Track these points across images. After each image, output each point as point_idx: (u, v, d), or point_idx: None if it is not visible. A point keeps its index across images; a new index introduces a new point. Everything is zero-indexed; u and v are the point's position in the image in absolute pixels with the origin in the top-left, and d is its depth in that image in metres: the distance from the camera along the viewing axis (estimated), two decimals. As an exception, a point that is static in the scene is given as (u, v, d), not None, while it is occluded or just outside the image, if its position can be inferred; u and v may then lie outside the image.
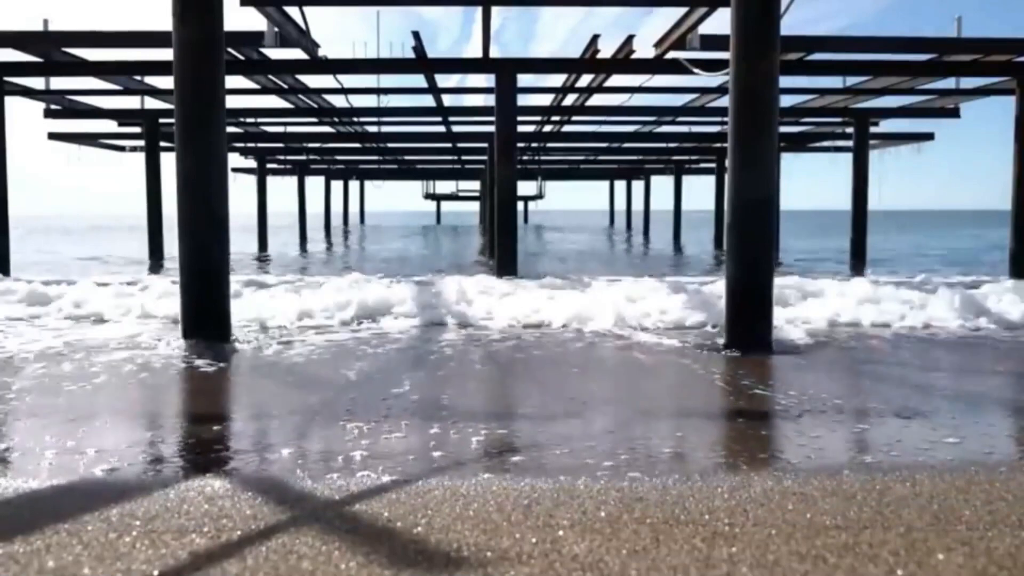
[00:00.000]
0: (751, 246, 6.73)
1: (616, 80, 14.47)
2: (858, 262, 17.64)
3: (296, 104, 17.10)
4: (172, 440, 3.87)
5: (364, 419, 4.15)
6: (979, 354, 6.73)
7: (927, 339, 7.39)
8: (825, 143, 24.20)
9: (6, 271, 12.77)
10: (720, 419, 4.56)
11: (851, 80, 14.97)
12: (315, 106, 17.22)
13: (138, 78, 14.36)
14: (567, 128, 21.54)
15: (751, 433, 4.02)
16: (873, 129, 19.53)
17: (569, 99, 16.77)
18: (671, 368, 5.97)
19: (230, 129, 19.53)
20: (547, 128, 21.32)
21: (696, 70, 11.24)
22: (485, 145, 23.32)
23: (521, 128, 14.77)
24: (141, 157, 19.77)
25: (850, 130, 18.92)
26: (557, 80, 15.33)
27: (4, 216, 13.48)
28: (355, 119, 19.22)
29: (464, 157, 30.49)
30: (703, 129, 21.79)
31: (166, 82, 14.46)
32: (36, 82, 14.56)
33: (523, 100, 15.29)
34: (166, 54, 10.29)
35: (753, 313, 6.71)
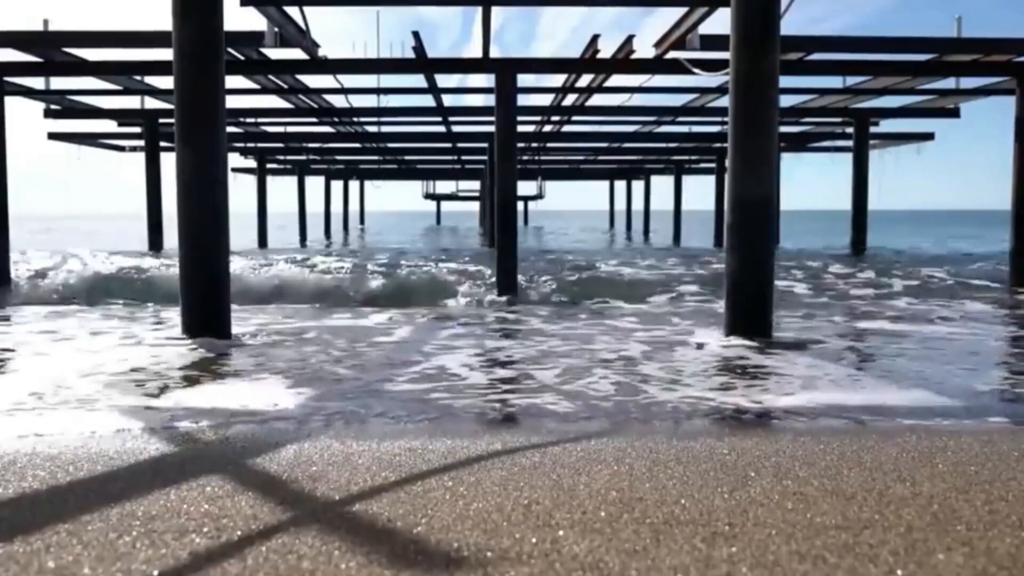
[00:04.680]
0: (751, 245, 6.74)
1: (616, 80, 14.47)
2: (858, 261, 17.66)
3: (296, 104, 17.11)
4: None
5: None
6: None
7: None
8: (825, 143, 24.21)
9: (6, 275, 12.72)
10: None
11: (851, 80, 14.97)
12: (315, 106, 17.22)
13: (138, 78, 14.36)
14: (567, 128, 21.55)
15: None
16: (873, 129, 19.54)
17: (569, 99, 16.77)
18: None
19: (230, 129, 19.53)
20: (547, 128, 21.32)
21: (696, 70, 11.24)
22: (485, 145, 23.32)
23: (521, 128, 14.76)
24: (141, 157, 19.78)
25: (850, 130, 18.93)
26: (557, 80, 15.33)
27: (4, 217, 13.46)
28: (355, 119, 19.22)
29: (464, 157, 30.49)
30: (703, 129, 21.80)
31: (166, 82, 14.46)
32: (36, 82, 14.56)
33: (523, 100, 15.30)
34: (166, 54, 10.29)
35: (753, 310, 6.72)
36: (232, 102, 9.48)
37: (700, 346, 6.79)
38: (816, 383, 5.33)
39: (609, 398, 4.92)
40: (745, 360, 6.17)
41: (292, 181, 36.40)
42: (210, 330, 6.88)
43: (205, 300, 6.94)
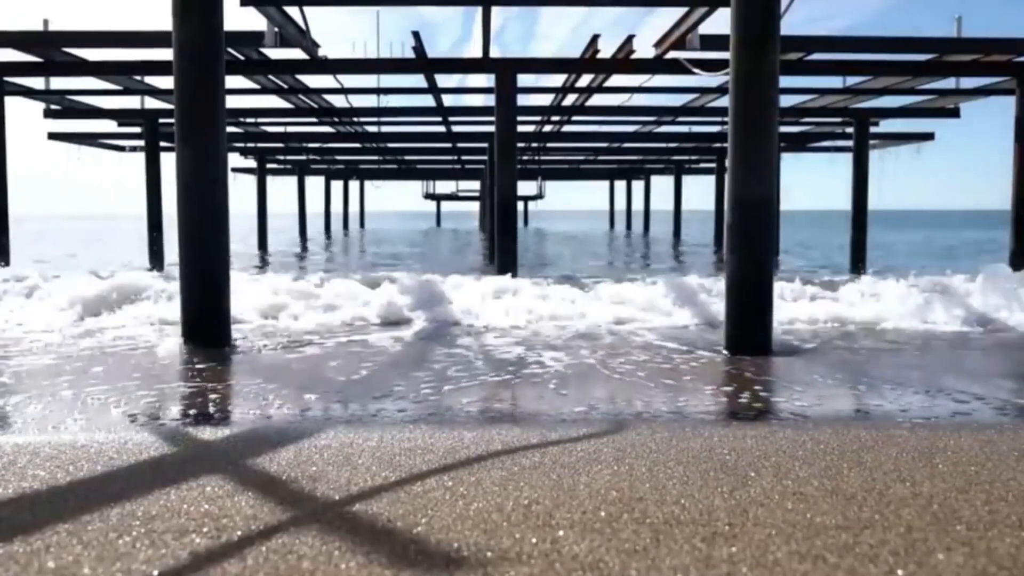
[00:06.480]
0: (751, 246, 6.72)
1: (616, 80, 14.48)
2: (858, 261, 17.65)
3: (296, 104, 17.11)
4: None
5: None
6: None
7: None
8: (825, 143, 24.21)
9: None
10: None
11: (851, 80, 14.97)
12: (315, 106, 17.22)
13: (138, 78, 14.36)
14: (567, 128, 21.55)
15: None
16: (873, 129, 19.53)
17: (569, 99, 16.77)
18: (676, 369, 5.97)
19: (230, 129, 19.53)
20: (547, 128, 21.32)
21: (696, 70, 11.24)
22: (485, 145, 23.32)
23: (521, 128, 14.77)
24: (141, 157, 19.77)
25: (850, 130, 18.93)
26: (557, 80, 15.33)
27: (4, 216, 13.48)
28: (355, 119, 19.22)
29: (464, 157, 30.50)
30: (703, 129, 21.80)
31: (166, 82, 14.47)
32: (36, 82, 14.56)
33: (523, 100, 15.30)
34: (166, 54, 10.30)
35: (753, 313, 6.71)
36: (232, 102, 9.48)
37: (695, 359, 6.76)
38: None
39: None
40: (745, 380, 6.16)
41: (292, 181, 36.39)
42: (210, 330, 6.87)
43: (204, 300, 6.93)
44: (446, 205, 59.47)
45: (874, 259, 17.52)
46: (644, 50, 12.20)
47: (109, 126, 20.75)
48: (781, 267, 16.95)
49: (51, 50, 12.21)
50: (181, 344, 6.77)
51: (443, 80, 15.10)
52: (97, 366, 5.92)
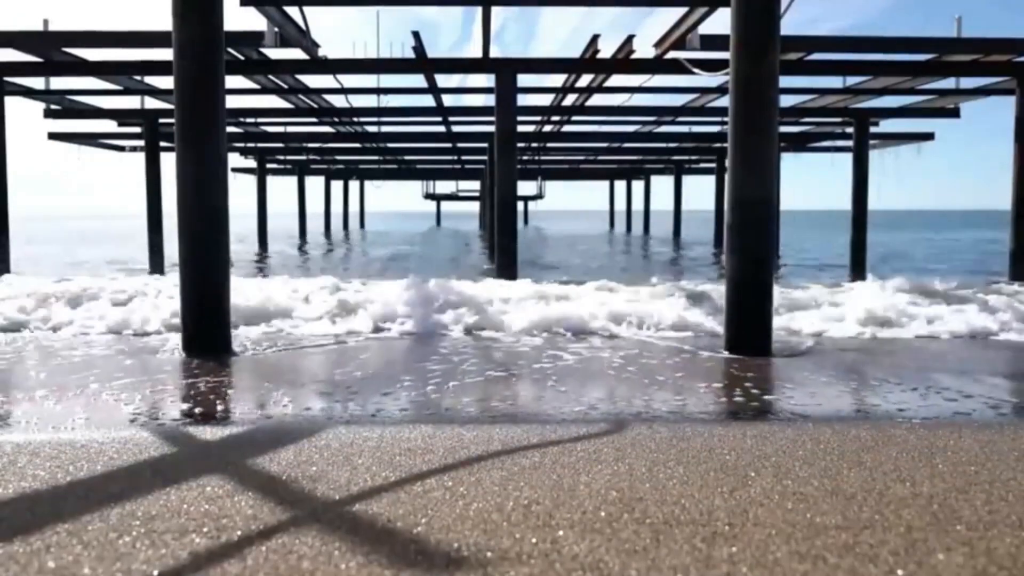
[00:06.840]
0: (750, 246, 6.72)
1: (616, 80, 14.49)
2: (858, 261, 17.66)
3: (296, 104, 17.11)
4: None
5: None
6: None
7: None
8: (825, 143, 24.22)
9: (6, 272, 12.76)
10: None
11: (851, 80, 14.97)
12: (315, 106, 17.23)
13: (138, 78, 14.37)
14: (567, 128, 21.56)
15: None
16: (873, 129, 19.54)
17: (569, 99, 16.78)
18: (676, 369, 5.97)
19: (230, 129, 19.53)
20: (547, 128, 21.33)
21: (696, 70, 11.25)
22: (485, 145, 23.33)
23: (521, 128, 14.77)
24: (141, 157, 19.78)
25: (850, 130, 18.93)
26: (557, 80, 15.33)
27: (4, 215, 13.49)
28: (355, 119, 19.23)
29: (464, 157, 30.53)
30: (703, 129, 21.80)
31: (166, 82, 14.47)
32: (36, 82, 14.57)
33: (523, 100, 15.30)
34: (166, 54, 10.31)
35: (753, 313, 6.70)
36: (232, 102, 9.49)
37: (694, 360, 6.76)
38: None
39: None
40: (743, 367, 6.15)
41: (292, 181, 36.40)
42: (209, 331, 6.86)
43: (204, 300, 6.92)
44: (446, 205, 59.51)
45: (887, 260, 17.44)
46: (644, 50, 12.22)
47: (109, 126, 20.77)
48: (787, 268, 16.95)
49: (51, 50, 12.22)
50: (179, 343, 6.76)
51: (443, 80, 15.11)
52: (93, 366, 5.92)
